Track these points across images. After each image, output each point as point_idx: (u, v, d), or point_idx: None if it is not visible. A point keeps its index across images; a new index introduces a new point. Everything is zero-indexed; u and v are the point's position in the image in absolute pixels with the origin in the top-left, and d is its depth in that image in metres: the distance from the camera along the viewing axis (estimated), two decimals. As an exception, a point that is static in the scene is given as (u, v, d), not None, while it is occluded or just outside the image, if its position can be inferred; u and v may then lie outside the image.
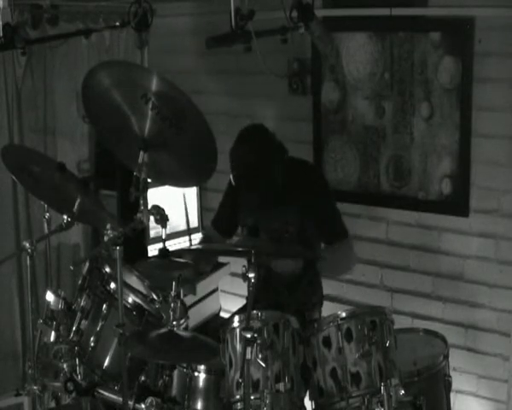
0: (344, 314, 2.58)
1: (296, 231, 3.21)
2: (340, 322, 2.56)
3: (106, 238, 2.52)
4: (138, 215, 2.51)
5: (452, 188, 3.78)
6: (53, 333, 2.81)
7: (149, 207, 2.56)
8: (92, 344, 2.77)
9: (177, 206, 4.35)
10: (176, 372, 2.77)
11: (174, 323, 2.62)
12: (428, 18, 3.75)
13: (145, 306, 2.82)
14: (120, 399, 2.64)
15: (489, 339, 3.74)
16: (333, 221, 3.29)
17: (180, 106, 2.42)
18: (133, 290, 2.85)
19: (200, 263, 3.58)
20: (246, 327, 2.37)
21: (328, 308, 3.47)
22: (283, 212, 3.22)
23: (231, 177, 3.17)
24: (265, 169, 3.11)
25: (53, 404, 2.97)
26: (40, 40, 3.66)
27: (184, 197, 4.43)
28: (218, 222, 3.55)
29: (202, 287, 4.16)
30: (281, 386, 2.47)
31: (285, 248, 3.06)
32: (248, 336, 2.34)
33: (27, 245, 2.87)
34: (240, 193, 3.36)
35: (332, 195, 3.37)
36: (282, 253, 3.00)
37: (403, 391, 2.47)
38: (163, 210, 2.59)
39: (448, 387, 2.87)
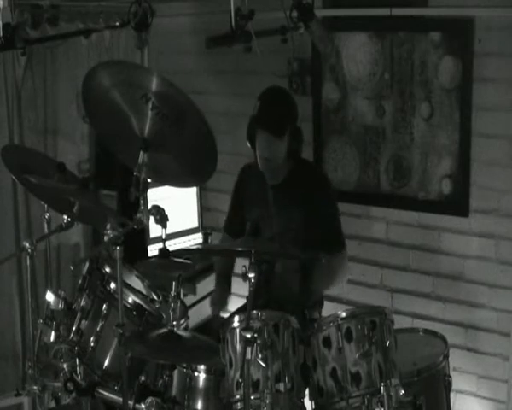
0: (344, 314, 2.58)
1: (297, 231, 3.21)
2: (340, 322, 2.56)
3: (106, 238, 2.53)
4: (138, 215, 2.52)
5: (452, 188, 3.78)
6: (53, 333, 2.81)
7: (149, 207, 2.56)
8: (92, 344, 2.77)
9: (177, 205, 4.35)
10: (176, 372, 2.77)
11: (174, 323, 2.62)
12: (428, 18, 3.75)
13: (145, 306, 2.82)
14: (120, 399, 2.64)
15: (489, 339, 3.74)
16: (331, 227, 3.28)
17: (180, 106, 2.42)
18: (133, 290, 2.85)
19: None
20: (246, 327, 2.37)
21: (328, 308, 3.46)
22: (285, 211, 3.22)
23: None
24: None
25: (53, 404, 2.97)
26: (40, 40, 3.66)
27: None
28: (229, 226, 3.56)
29: (202, 287, 4.17)
30: (281, 386, 2.46)
31: (285, 249, 3.06)
32: (248, 336, 2.34)
33: (27, 245, 2.87)
34: (245, 191, 3.38)
35: (335, 201, 3.35)
36: (283, 253, 2.99)
37: (403, 391, 2.47)
38: (163, 210, 2.59)
39: (448, 387, 2.87)
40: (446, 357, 2.91)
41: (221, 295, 3.42)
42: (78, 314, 2.82)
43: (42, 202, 3.04)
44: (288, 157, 3.22)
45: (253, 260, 2.46)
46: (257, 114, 3.18)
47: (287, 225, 3.23)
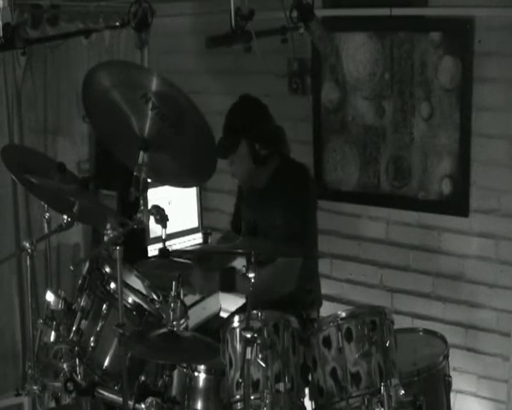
0: (344, 314, 2.58)
1: (283, 229, 3.17)
2: (340, 322, 2.57)
3: (106, 238, 2.52)
4: (138, 215, 2.51)
5: (452, 188, 3.78)
6: (53, 333, 2.81)
7: (149, 207, 2.56)
8: (92, 344, 2.77)
9: (177, 206, 4.34)
10: (176, 372, 2.77)
11: (174, 323, 2.62)
12: (428, 18, 3.75)
13: (145, 306, 2.82)
14: (120, 399, 2.64)
15: (489, 339, 3.74)
16: (290, 225, 3.18)
17: (180, 106, 2.42)
18: (133, 290, 2.85)
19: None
20: (246, 327, 2.37)
21: (328, 308, 3.47)
22: (269, 211, 3.22)
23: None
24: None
25: (53, 404, 2.97)
26: (40, 40, 3.66)
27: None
28: (233, 222, 3.64)
29: (202, 287, 4.16)
30: (281, 386, 2.46)
31: (284, 249, 3.05)
32: (248, 336, 2.34)
33: (27, 245, 2.87)
34: (242, 190, 3.40)
35: (308, 203, 3.31)
36: (282, 253, 2.99)
37: (403, 391, 2.47)
38: (163, 210, 2.59)
39: (448, 387, 2.87)
40: (446, 357, 2.91)
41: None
42: (78, 314, 2.82)
43: (42, 202, 3.04)
44: (259, 163, 3.24)
45: (252, 260, 2.46)
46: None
47: (270, 225, 3.21)
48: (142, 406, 2.60)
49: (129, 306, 2.76)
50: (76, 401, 2.77)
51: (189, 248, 4.22)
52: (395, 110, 3.90)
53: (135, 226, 2.52)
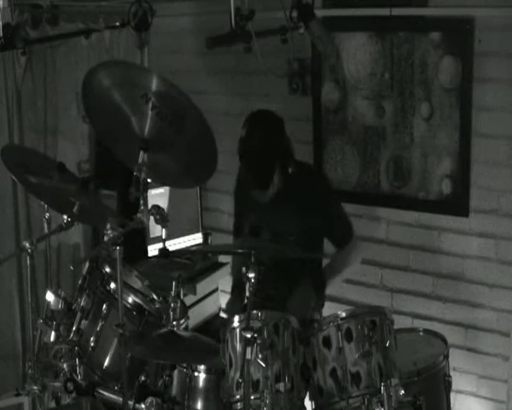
0: (344, 314, 2.57)
1: (298, 234, 3.19)
2: (340, 322, 2.56)
3: (106, 238, 2.53)
4: (138, 215, 2.52)
5: (452, 188, 3.78)
6: (53, 333, 2.81)
7: (149, 207, 2.56)
8: (92, 344, 2.77)
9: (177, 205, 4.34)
10: (176, 372, 2.77)
11: (174, 323, 2.62)
12: (428, 18, 3.75)
13: (145, 306, 2.82)
14: (120, 399, 2.64)
15: (489, 339, 3.75)
16: (340, 224, 3.30)
17: (180, 106, 2.42)
18: (133, 290, 2.85)
19: None
20: (246, 327, 2.37)
21: (328, 308, 3.46)
22: (284, 215, 3.21)
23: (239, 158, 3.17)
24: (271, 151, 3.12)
25: (53, 404, 2.97)
26: (40, 40, 3.66)
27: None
28: (236, 232, 3.51)
29: (202, 287, 4.17)
30: (281, 386, 2.46)
31: (286, 250, 3.06)
32: (248, 336, 2.34)
33: (27, 245, 2.87)
34: (244, 194, 3.37)
35: (336, 198, 3.36)
36: (284, 254, 2.99)
37: (403, 391, 2.47)
38: (163, 210, 2.59)
39: (448, 387, 2.87)
40: (446, 357, 2.91)
41: (233, 304, 3.42)
42: (78, 314, 2.82)
43: (42, 202, 3.04)
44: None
45: (252, 260, 2.46)
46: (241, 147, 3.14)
47: (286, 228, 3.21)
48: (142, 406, 2.60)
49: (129, 306, 2.77)
50: (76, 401, 2.77)
51: (188, 249, 4.23)
52: (395, 110, 3.90)
53: (135, 226, 2.52)
